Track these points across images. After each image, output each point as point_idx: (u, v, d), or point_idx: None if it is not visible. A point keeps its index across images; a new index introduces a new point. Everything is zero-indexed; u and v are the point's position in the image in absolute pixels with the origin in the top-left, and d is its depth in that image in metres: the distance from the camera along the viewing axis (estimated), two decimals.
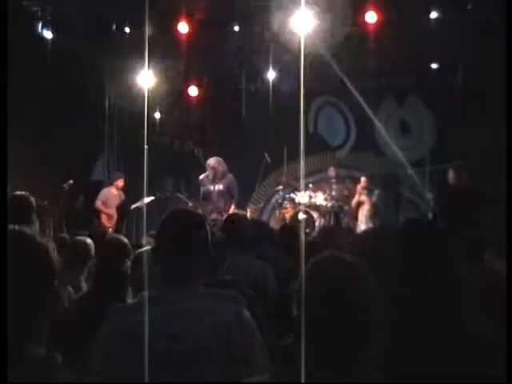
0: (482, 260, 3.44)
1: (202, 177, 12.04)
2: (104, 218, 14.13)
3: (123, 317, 2.71)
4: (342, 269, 2.30)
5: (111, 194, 14.16)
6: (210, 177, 11.87)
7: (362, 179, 14.06)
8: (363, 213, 13.79)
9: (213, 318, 2.67)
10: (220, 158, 12.11)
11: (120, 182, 14.22)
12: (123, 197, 14.34)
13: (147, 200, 13.95)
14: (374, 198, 13.90)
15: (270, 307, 4.49)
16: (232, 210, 11.71)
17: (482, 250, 3.45)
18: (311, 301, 2.20)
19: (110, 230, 13.51)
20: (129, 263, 4.19)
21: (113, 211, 14.09)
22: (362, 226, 13.28)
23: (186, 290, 2.77)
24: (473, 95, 14.28)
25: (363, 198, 13.83)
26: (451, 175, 12.73)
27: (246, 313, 2.77)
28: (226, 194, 11.86)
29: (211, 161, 11.99)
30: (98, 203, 14.05)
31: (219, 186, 11.82)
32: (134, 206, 14.15)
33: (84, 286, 5.02)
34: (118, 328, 2.68)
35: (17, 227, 2.18)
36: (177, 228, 2.88)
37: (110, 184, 14.27)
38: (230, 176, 12.06)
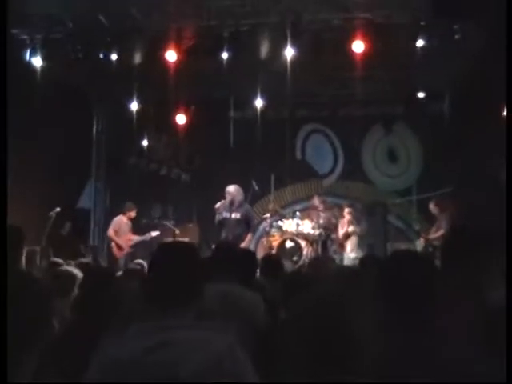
0: (476, 292, 3.44)
1: (218, 205, 11.93)
2: (115, 248, 14.03)
3: (112, 349, 2.70)
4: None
5: (123, 223, 14.03)
6: (227, 204, 11.84)
7: (346, 210, 13.98)
8: (352, 242, 13.77)
9: (203, 350, 2.66)
10: (239, 186, 12.10)
11: (132, 213, 14.04)
12: (131, 226, 14.21)
13: (154, 234, 13.91)
14: (362, 229, 13.88)
15: (259, 337, 4.48)
16: (249, 239, 11.85)
17: (477, 285, 3.45)
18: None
19: (121, 259, 13.47)
20: (117, 294, 4.19)
21: (124, 240, 13.92)
22: (351, 255, 13.26)
23: (176, 320, 2.77)
24: (460, 123, 14.41)
25: (351, 228, 13.81)
26: (432, 206, 12.86)
27: (238, 345, 2.76)
28: (243, 223, 11.83)
29: (230, 188, 11.94)
30: (111, 232, 13.88)
31: (236, 215, 11.79)
32: (138, 240, 13.96)
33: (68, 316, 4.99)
34: (107, 360, 2.67)
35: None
36: (168, 259, 2.89)
37: (123, 213, 14.09)
38: (247, 205, 12.21)
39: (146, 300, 2.93)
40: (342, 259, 13.38)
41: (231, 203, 11.80)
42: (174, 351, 2.63)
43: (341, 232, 13.90)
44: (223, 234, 11.78)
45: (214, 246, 6.08)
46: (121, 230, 13.94)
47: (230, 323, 2.94)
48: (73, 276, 5.81)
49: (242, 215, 11.80)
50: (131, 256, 13.48)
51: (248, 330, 3.89)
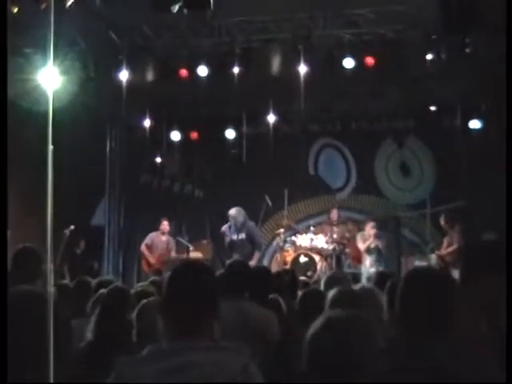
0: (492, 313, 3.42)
1: (224, 228, 12.65)
2: (144, 263, 14.13)
3: (129, 370, 2.71)
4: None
5: (158, 240, 14.13)
6: (232, 227, 12.43)
7: (370, 224, 13.94)
8: (372, 256, 13.71)
9: (218, 371, 2.66)
10: (240, 208, 12.62)
11: (164, 226, 14.17)
12: (172, 244, 14.30)
13: (193, 254, 14.06)
14: (385, 241, 13.81)
15: (273, 355, 4.48)
16: (257, 257, 12.41)
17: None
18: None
19: (149, 274, 13.48)
20: (133, 315, 4.20)
21: (155, 257, 13.98)
22: (370, 270, 13.16)
23: (192, 342, 2.77)
24: (472, 136, 14.39)
25: (376, 242, 13.73)
26: (442, 221, 12.83)
27: (253, 366, 2.76)
28: (248, 242, 12.40)
29: (232, 211, 12.52)
30: (143, 246, 14.16)
31: (241, 235, 12.38)
32: (173, 257, 13.99)
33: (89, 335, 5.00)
34: (124, 382, 2.69)
35: (25, 287, 2.23)
36: (185, 280, 2.90)
37: (158, 229, 14.24)
38: (250, 224, 12.68)
39: (161, 321, 2.94)
40: (359, 274, 13.35)
41: (235, 225, 12.41)
42: (188, 375, 2.64)
43: (361, 246, 13.85)
44: (234, 255, 12.02)
45: (226, 264, 6.12)
46: (153, 245, 14.05)
47: (244, 343, 2.94)
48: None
49: (246, 235, 12.37)
50: (159, 272, 13.50)
51: (262, 347, 3.90)
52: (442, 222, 12.85)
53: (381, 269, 12.53)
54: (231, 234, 12.42)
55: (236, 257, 11.81)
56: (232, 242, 12.37)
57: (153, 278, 8.11)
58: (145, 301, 4.23)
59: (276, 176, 15.31)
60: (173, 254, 14.10)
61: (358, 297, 4.22)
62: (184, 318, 2.81)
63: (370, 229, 13.90)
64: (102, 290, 5.52)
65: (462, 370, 2.65)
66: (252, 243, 12.38)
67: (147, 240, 14.14)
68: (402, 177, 16.50)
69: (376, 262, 13.59)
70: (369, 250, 13.76)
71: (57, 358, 2.24)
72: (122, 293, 4.60)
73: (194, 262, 3.55)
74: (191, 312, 2.81)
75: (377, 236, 13.80)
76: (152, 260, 13.98)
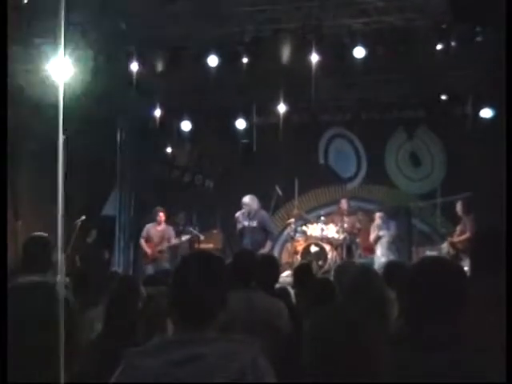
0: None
1: (237, 214, 12.63)
2: (143, 255, 14.26)
3: (138, 361, 2.70)
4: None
5: (154, 231, 14.21)
6: (245, 213, 12.48)
7: (378, 214, 13.99)
8: (382, 247, 13.72)
9: (227, 363, 2.65)
10: (253, 196, 12.64)
11: (160, 217, 14.26)
12: (169, 233, 14.34)
13: (184, 238, 14.14)
14: (393, 231, 13.84)
15: (283, 346, 4.47)
16: (269, 245, 12.40)
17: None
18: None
19: (147, 267, 13.74)
20: (140, 305, 4.19)
21: (151, 247, 14.07)
22: (382, 259, 13.17)
23: (201, 333, 2.76)
24: (483, 126, 14.32)
25: (382, 232, 13.78)
26: (459, 208, 12.77)
27: (262, 358, 2.74)
28: (261, 230, 12.40)
29: (246, 199, 12.55)
30: (141, 240, 14.33)
31: (253, 223, 12.40)
32: (170, 244, 14.11)
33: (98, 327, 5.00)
34: (133, 373, 2.68)
35: (36, 278, 2.24)
36: (193, 270, 2.87)
37: (154, 220, 14.32)
38: (263, 213, 12.67)
39: (169, 311, 2.92)
40: (371, 263, 13.35)
41: (248, 213, 12.43)
42: (199, 366, 2.62)
43: (372, 236, 13.88)
44: (244, 242, 12.36)
45: (235, 253, 6.12)
46: (150, 236, 14.13)
47: (254, 335, 2.92)
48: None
49: (257, 223, 12.36)
50: (158, 264, 13.59)
51: (272, 338, 3.89)
52: (458, 208, 12.78)
53: (392, 258, 12.55)
54: (244, 220, 12.47)
55: (247, 243, 12.19)
56: (244, 228, 12.44)
57: (163, 267, 8.13)
58: (152, 290, 4.22)
59: (286, 166, 15.31)
60: (173, 240, 14.17)
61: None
62: (192, 308, 2.79)
63: (377, 218, 13.93)
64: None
65: (471, 361, 2.64)
66: (264, 231, 12.40)
67: (144, 232, 14.27)
68: (413, 166, 16.46)
69: (387, 251, 13.59)
70: (378, 240, 13.78)
71: (68, 352, 2.24)
72: (131, 282, 4.59)
73: (202, 252, 3.53)
74: (199, 302, 2.79)
75: (385, 226, 13.81)
76: (148, 250, 14.04)
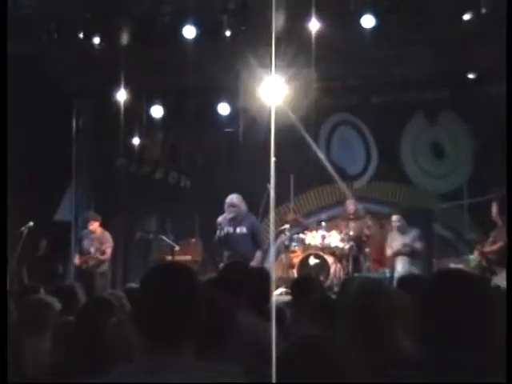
0: None
1: (220, 219, 12.25)
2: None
3: None
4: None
5: (87, 239, 14.24)
6: (229, 217, 12.13)
7: (395, 218, 13.98)
8: (404, 260, 13.70)
9: None
10: (240, 196, 12.39)
11: (93, 225, 14.25)
12: (106, 239, 14.34)
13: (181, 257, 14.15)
14: (413, 240, 13.81)
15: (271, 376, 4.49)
16: (259, 257, 12.04)
17: None
18: None
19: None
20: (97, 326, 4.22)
21: (80, 258, 14.06)
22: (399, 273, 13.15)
23: (174, 361, 2.78)
24: None
25: (407, 240, 13.74)
26: (495, 209, 12.69)
27: None
28: (249, 239, 12.10)
29: (232, 199, 12.26)
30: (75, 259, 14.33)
31: (242, 229, 12.09)
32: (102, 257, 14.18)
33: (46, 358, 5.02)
34: None
35: None
36: (163, 286, 2.89)
37: (86, 227, 14.35)
38: (253, 218, 12.47)
39: (135, 335, 2.95)
40: (383, 278, 13.37)
41: (234, 217, 12.09)
42: None
43: (390, 246, 13.87)
44: (227, 253, 12.04)
45: (220, 266, 6.15)
46: (82, 247, 14.15)
47: (237, 362, 2.95)
48: (51, 308, 5.85)
49: (248, 229, 12.07)
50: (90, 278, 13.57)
51: (259, 367, 3.90)
52: (493, 211, 12.70)
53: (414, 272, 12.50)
54: (228, 226, 12.15)
55: (231, 255, 11.85)
56: (228, 236, 12.09)
57: (128, 284, 8.18)
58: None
59: (280, 160, 15.23)
60: (108, 250, 14.21)
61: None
62: (159, 331, 2.82)
63: (395, 224, 13.94)
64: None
65: None
66: (253, 240, 12.15)
67: (77, 243, 14.33)
68: (434, 159, 16.45)
69: (410, 267, 13.55)
70: (398, 252, 13.76)
71: None
72: (104, 304, 4.63)
73: (169, 264, 3.56)
74: (168, 324, 2.81)
75: (408, 234, 13.82)
76: (77, 261, 14.17)
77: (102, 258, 14.08)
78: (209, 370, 2.79)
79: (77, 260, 14.16)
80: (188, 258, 14.89)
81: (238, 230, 12.11)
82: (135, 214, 15.46)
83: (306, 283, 7.13)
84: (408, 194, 16.22)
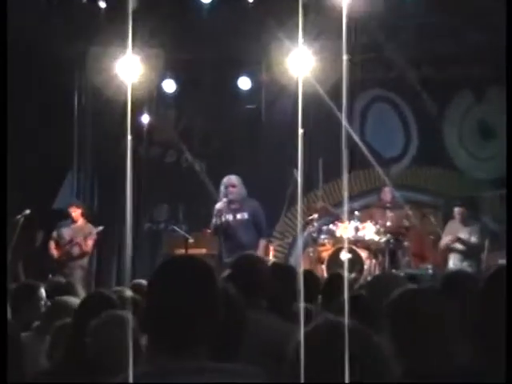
0: None
1: (219, 205, 12.13)
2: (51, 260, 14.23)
3: None
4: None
5: (66, 230, 14.24)
6: (228, 201, 12.03)
7: (457, 210, 13.96)
8: (458, 257, 13.68)
9: None
10: (238, 177, 12.28)
11: (73, 210, 14.34)
12: (89, 230, 14.33)
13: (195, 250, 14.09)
14: (471, 234, 13.77)
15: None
16: (262, 247, 11.98)
17: None
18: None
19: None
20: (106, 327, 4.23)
21: (58, 251, 14.05)
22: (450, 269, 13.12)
23: (187, 364, 2.78)
24: None
25: (463, 234, 13.72)
26: None
27: None
28: (252, 226, 12.04)
29: (231, 179, 12.19)
30: (50, 243, 14.26)
31: (243, 215, 12.03)
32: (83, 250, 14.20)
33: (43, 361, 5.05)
34: None
35: None
36: (176, 282, 2.89)
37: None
38: (255, 203, 12.33)
39: (145, 335, 2.95)
40: (425, 276, 13.33)
41: (233, 199, 12.02)
42: None
43: (447, 240, 13.85)
44: (227, 245, 11.93)
45: (232, 260, 6.11)
46: (60, 237, 14.14)
47: (259, 366, 2.94)
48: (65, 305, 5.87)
49: (249, 215, 12.03)
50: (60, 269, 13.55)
51: (282, 370, 3.89)
52: None
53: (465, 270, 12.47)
54: (227, 213, 12.04)
55: (233, 246, 11.69)
56: (227, 224, 12.00)
57: (135, 280, 8.20)
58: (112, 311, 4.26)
59: (307, 141, 15.21)
60: (89, 242, 14.22)
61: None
62: (175, 332, 2.81)
63: (456, 215, 13.88)
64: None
65: None
66: (255, 228, 12.06)
67: (54, 232, 14.31)
68: (482, 141, 16.40)
69: (461, 261, 13.52)
70: (455, 247, 13.74)
71: None
72: (104, 301, 4.63)
73: (185, 257, 3.54)
74: (183, 323, 2.81)
75: (460, 227, 13.78)
76: (54, 252, 14.12)
77: (83, 250, 14.12)
78: (227, 372, 2.79)
79: (54, 251, 14.10)
80: (203, 251, 14.85)
81: (239, 216, 12.03)
82: (143, 201, 15.46)
83: (336, 281, 7.10)
84: (452, 179, 16.15)
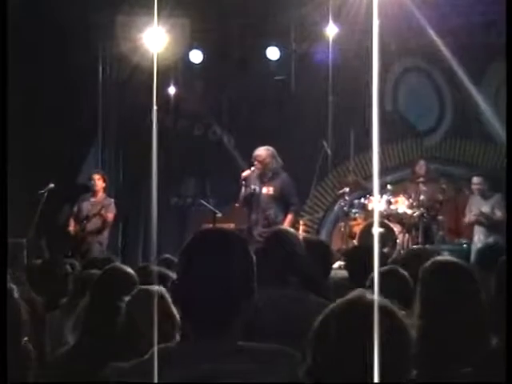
0: None
1: (246, 173, 12.20)
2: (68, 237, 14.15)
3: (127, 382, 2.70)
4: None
5: (86, 204, 14.08)
6: (257, 174, 12.08)
7: (476, 180, 13.85)
8: (483, 229, 13.63)
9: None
10: (272, 148, 12.25)
11: (95, 183, 14.16)
12: (107, 206, 14.23)
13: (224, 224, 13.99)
14: (494, 207, 13.69)
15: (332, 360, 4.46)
16: (289, 222, 11.93)
17: None
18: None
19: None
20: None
21: (75, 226, 13.97)
22: (479, 245, 13.08)
23: (218, 344, 2.77)
24: None
25: (485, 208, 13.66)
26: None
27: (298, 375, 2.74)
28: (279, 200, 12.06)
29: (260, 152, 12.14)
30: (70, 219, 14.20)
31: (269, 189, 12.04)
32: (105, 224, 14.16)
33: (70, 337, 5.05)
34: None
35: None
36: (208, 256, 2.86)
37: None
38: (284, 175, 12.29)
39: (176, 313, 2.92)
40: (461, 251, 13.27)
41: (262, 173, 12.04)
42: None
43: (468, 214, 13.80)
44: (253, 216, 12.04)
45: (264, 235, 6.12)
46: (80, 213, 14.03)
47: (291, 345, 2.92)
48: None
49: (275, 189, 12.01)
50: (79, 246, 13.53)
51: (316, 349, 3.86)
52: None
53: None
54: (254, 184, 12.07)
55: (258, 218, 11.92)
56: (253, 194, 12.05)
57: (164, 255, 8.19)
58: (144, 286, 4.22)
59: (338, 113, 15.20)
60: (109, 215, 14.07)
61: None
62: (206, 309, 2.77)
63: (475, 187, 13.82)
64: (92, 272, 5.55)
65: None
66: (284, 202, 12.09)
67: (75, 207, 14.17)
68: None
69: (492, 237, 13.46)
70: (477, 220, 13.68)
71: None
72: (122, 276, 4.61)
73: (221, 230, 3.48)
74: (218, 301, 2.78)
75: (483, 198, 13.72)
76: (71, 229, 13.98)
77: (102, 224, 14.02)
78: (262, 352, 2.76)
79: (71, 227, 13.96)
80: (231, 225, 14.82)
81: (265, 189, 12.07)
82: (170, 175, 15.44)
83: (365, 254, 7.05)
84: (489, 152, 16.05)
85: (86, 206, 14.06)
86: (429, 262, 4.27)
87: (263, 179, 12.06)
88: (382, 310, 2.49)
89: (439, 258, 4.77)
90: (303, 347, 3.00)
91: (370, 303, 2.52)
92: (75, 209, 14.10)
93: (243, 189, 12.19)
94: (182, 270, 2.90)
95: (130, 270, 4.83)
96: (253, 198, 12.09)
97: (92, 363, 3.80)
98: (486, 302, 4.05)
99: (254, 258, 2.92)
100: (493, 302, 4.20)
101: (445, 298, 3.92)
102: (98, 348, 4.11)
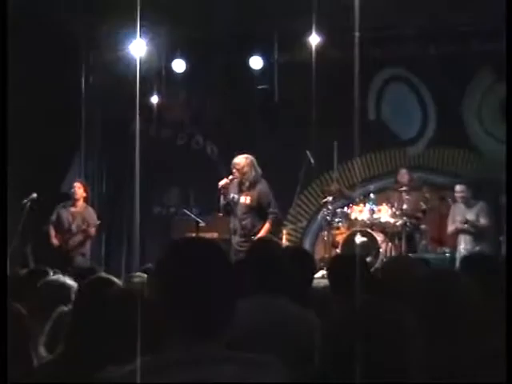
0: None
1: (223, 182, 12.14)
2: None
3: None
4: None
5: (66, 213, 14.16)
6: (236, 182, 12.06)
7: (459, 188, 13.94)
8: (468, 239, 13.70)
9: None
10: (251, 157, 12.21)
11: (75, 192, 14.22)
12: (90, 215, 14.30)
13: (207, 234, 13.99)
14: (478, 215, 13.78)
15: (312, 371, 4.52)
16: (266, 230, 11.90)
17: None
18: None
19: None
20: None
21: (59, 236, 14.04)
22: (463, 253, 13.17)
23: (199, 352, 2.79)
24: None
25: (470, 216, 13.74)
26: None
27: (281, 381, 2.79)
28: (257, 209, 11.99)
29: (239, 160, 12.11)
30: (50, 227, 14.11)
31: (247, 198, 11.99)
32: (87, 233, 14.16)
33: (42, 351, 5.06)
34: None
35: None
36: (187, 265, 2.86)
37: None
38: (263, 183, 12.20)
39: (161, 322, 2.95)
40: (444, 260, 13.34)
41: (240, 181, 12.02)
42: None
43: (451, 222, 13.87)
44: (231, 225, 12.09)
45: (248, 244, 6.18)
46: (60, 220, 14.14)
47: (275, 355, 2.95)
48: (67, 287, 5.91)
49: (252, 199, 11.96)
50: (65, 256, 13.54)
51: (299, 359, 3.93)
52: None
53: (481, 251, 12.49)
54: (233, 192, 12.07)
55: (232, 227, 12.00)
56: (232, 204, 12.08)
57: (147, 265, 8.25)
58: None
59: (321, 122, 15.24)
60: (92, 230, 14.12)
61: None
62: (186, 317, 2.81)
63: (458, 195, 13.90)
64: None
65: None
66: (263, 210, 12.01)
67: (53, 215, 14.17)
68: (502, 121, 16.33)
69: (476, 246, 13.54)
70: (461, 229, 13.76)
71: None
72: (107, 286, 4.65)
73: (200, 239, 3.51)
74: (197, 309, 2.81)
75: (466, 206, 13.81)
76: (55, 241, 14.00)
77: (85, 238, 14.06)
78: (242, 362, 2.82)
79: (54, 239, 13.97)
80: (214, 235, 14.86)
81: (243, 198, 12.03)
82: (153, 185, 15.47)
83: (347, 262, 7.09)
84: (472, 161, 16.12)
85: (66, 215, 14.08)
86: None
87: (242, 188, 12.02)
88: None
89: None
90: (285, 356, 3.07)
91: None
92: (53, 217, 14.08)
93: (222, 198, 12.20)
94: (161, 280, 2.92)
95: (115, 279, 4.88)
96: (231, 207, 12.10)
97: (77, 376, 3.85)
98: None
99: (234, 266, 2.96)
100: (480, 306, 4.26)
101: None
102: (84, 359, 4.14)
